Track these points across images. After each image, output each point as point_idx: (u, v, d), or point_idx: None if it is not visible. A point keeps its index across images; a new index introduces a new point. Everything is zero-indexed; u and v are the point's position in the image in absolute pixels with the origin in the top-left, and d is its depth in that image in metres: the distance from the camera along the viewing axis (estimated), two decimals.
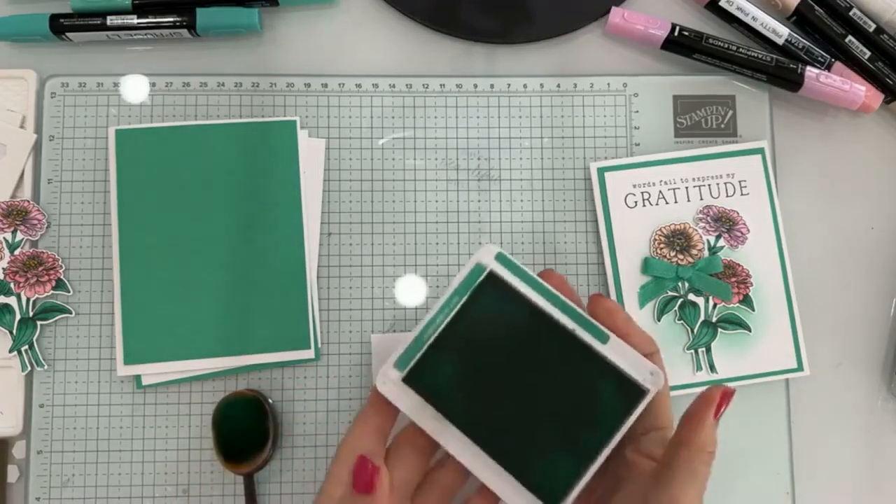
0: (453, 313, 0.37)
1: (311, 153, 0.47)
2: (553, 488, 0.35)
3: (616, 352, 0.36)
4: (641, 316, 0.46)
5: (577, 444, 0.35)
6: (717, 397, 0.34)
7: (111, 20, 0.47)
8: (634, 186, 0.48)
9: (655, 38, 0.48)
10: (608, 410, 0.36)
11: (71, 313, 0.46)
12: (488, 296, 0.37)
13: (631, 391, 0.36)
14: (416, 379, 0.37)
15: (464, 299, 0.37)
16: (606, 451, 0.35)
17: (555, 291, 0.37)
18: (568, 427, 0.36)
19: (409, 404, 0.37)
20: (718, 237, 0.47)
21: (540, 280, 0.37)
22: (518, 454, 0.36)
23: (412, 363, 0.37)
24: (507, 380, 0.36)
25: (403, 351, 0.37)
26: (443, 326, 0.37)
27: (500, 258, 0.37)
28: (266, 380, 0.46)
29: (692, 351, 0.46)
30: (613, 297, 0.47)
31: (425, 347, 0.37)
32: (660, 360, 0.37)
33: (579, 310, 0.37)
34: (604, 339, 0.36)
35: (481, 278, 0.37)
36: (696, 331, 0.46)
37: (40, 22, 0.47)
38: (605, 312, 0.37)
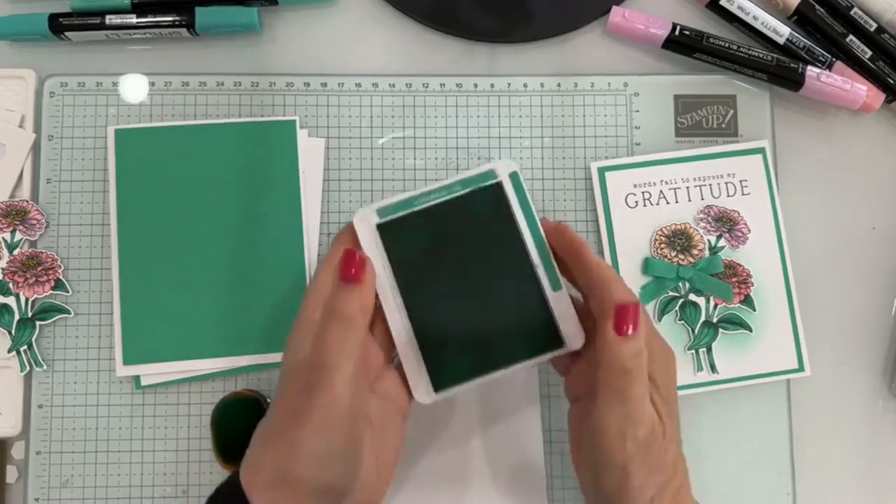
0: (448, 198, 0.39)
1: (310, 153, 0.47)
2: (444, 378, 0.38)
3: (560, 303, 0.39)
4: None
5: (483, 355, 0.39)
6: (612, 312, 0.34)
7: (110, 19, 0.47)
8: (635, 186, 0.48)
9: (656, 38, 0.48)
10: (525, 344, 0.39)
11: (70, 313, 0.46)
12: (485, 201, 0.39)
13: (552, 339, 0.39)
14: (387, 231, 0.39)
15: (463, 192, 0.39)
16: (501, 374, 0.38)
17: (542, 232, 0.39)
18: (487, 338, 0.39)
19: (370, 249, 0.39)
20: (719, 237, 0.47)
21: (535, 214, 0.39)
22: (434, 335, 0.39)
23: (392, 217, 0.39)
24: (459, 275, 0.39)
25: (391, 203, 0.39)
26: (433, 203, 0.39)
27: (513, 177, 0.40)
28: (266, 380, 0.46)
29: (693, 351, 0.46)
30: None
31: (410, 211, 0.39)
32: (619, 288, 0.36)
33: (552, 257, 0.39)
34: (557, 287, 0.39)
35: (487, 183, 0.39)
36: (696, 331, 0.46)
37: (39, 21, 0.47)
38: (554, 232, 0.39)
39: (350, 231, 0.39)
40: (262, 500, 0.33)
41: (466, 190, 0.39)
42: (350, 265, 0.34)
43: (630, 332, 0.34)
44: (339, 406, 0.33)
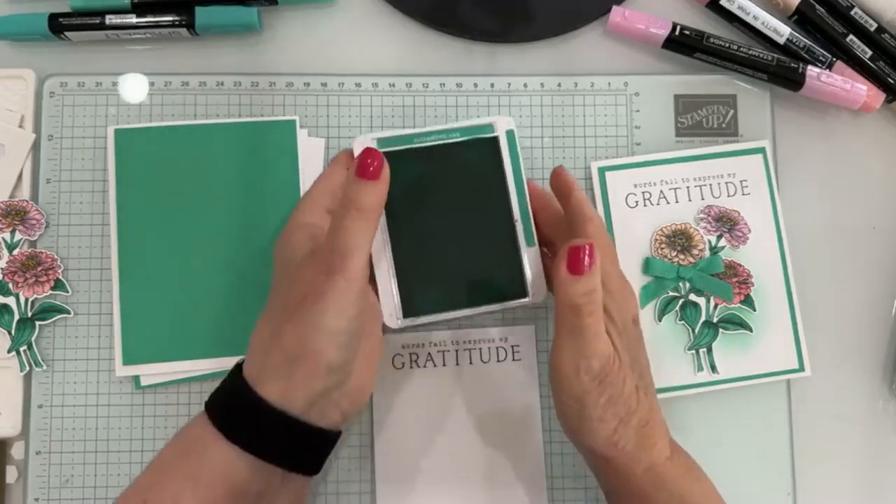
0: (446, 141, 0.42)
1: (310, 153, 0.47)
2: (413, 307, 0.41)
3: (531, 257, 0.42)
4: (642, 316, 0.46)
5: (453, 293, 0.42)
6: (566, 252, 0.36)
7: (110, 19, 0.47)
8: (635, 186, 0.47)
9: (656, 38, 0.48)
10: (492, 289, 0.42)
11: (70, 313, 0.46)
12: (479, 151, 0.42)
13: (517, 289, 0.42)
14: None
15: (460, 139, 0.42)
16: (465, 313, 0.42)
17: (526, 190, 0.42)
18: (459, 278, 0.42)
19: None
20: (719, 237, 0.47)
21: (522, 172, 0.42)
22: (410, 266, 0.41)
23: (390, 148, 0.41)
24: (444, 216, 0.42)
25: (391, 136, 0.42)
26: (431, 144, 0.42)
27: (509, 134, 0.42)
28: None
29: (693, 351, 0.46)
30: None
31: (407, 147, 0.42)
32: (594, 228, 0.39)
33: (531, 215, 0.42)
34: (531, 243, 0.42)
35: (483, 135, 0.42)
36: (697, 331, 0.46)
37: (39, 21, 0.47)
38: (552, 174, 0.41)
39: (348, 154, 0.41)
40: (276, 383, 0.35)
41: (464, 138, 0.42)
42: (370, 163, 0.36)
43: (585, 270, 0.35)
44: (356, 288, 0.35)
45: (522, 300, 0.42)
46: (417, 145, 0.42)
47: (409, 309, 0.41)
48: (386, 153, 0.40)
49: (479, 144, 0.42)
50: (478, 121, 0.42)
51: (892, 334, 0.48)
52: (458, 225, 0.42)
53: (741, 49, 0.47)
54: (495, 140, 0.42)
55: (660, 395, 0.45)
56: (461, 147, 0.42)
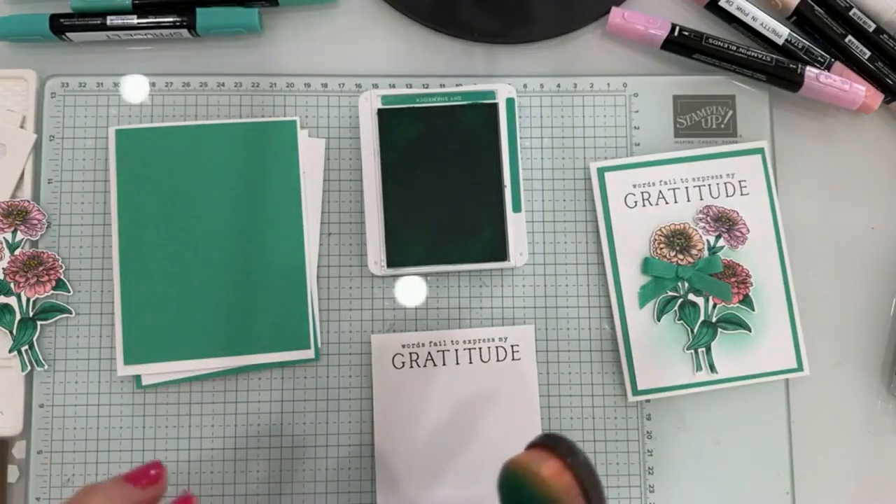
0: (447, 104, 0.45)
1: (311, 153, 0.47)
2: (398, 258, 0.45)
3: (516, 224, 0.45)
4: (641, 316, 0.46)
5: (437, 248, 0.44)
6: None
7: (111, 20, 0.47)
8: (634, 186, 0.48)
9: (655, 38, 0.48)
10: (475, 249, 0.44)
11: (71, 313, 0.46)
12: (478, 116, 0.45)
13: (499, 252, 0.45)
14: (385, 117, 0.45)
15: (461, 102, 0.45)
16: (447, 268, 0.44)
17: (519, 158, 0.45)
18: (444, 235, 0.44)
19: (367, 129, 0.45)
20: (718, 237, 0.47)
21: (517, 140, 0.45)
22: (400, 220, 0.45)
23: (393, 106, 0.45)
24: (437, 174, 0.45)
25: (396, 94, 0.45)
26: (433, 105, 0.45)
27: (509, 103, 0.45)
28: (266, 380, 0.46)
29: (692, 351, 0.46)
30: (613, 297, 0.47)
31: (410, 105, 0.45)
32: None
33: (521, 183, 0.44)
34: (517, 209, 0.45)
35: (485, 101, 0.45)
36: (695, 331, 0.46)
37: (40, 22, 0.47)
38: None
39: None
40: None
41: (465, 102, 0.45)
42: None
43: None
44: None
45: (503, 263, 0.44)
46: (420, 105, 0.44)
47: (393, 259, 0.44)
48: (389, 109, 0.44)
49: (479, 109, 0.45)
50: (480, 87, 0.45)
51: (890, 334, 0.48)
52: (450, 184, 0.44)
53: (740, 50, 0.48)
54: (494, 107, 0.45)
55: (659, 395, 0.46)
56: (461, 110, 0.45)
